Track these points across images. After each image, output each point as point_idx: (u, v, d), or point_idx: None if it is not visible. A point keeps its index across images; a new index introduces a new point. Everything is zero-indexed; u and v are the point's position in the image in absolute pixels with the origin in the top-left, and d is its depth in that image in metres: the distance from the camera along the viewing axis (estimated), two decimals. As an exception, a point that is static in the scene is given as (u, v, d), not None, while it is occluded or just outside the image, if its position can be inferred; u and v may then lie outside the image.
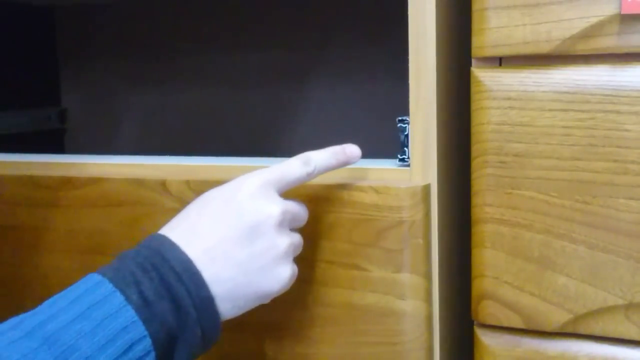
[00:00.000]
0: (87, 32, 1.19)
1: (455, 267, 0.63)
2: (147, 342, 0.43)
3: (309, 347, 0.60)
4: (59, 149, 1.22)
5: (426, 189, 0.56)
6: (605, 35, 0.50)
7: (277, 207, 0.50)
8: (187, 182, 0.62)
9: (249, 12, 1.07)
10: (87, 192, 0.66)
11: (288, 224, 0.52)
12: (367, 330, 0.58)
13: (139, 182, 0.64)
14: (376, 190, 0.56)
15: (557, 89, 0.51)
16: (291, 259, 0.52)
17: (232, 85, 1.10)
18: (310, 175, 0.54)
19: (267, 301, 0.51)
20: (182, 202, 0.62)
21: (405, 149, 0.58)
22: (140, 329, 0.43)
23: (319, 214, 0.58)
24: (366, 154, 0.59)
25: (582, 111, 0.51)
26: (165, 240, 0.48)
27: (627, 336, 0.52)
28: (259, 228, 0.49)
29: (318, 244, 0.58)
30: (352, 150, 0.56)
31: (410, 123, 0.57)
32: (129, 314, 0.43)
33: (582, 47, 0.50)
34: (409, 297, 0.56)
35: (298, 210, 0.53)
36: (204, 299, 0.46)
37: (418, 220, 0.56)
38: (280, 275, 0.50)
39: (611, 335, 0.52)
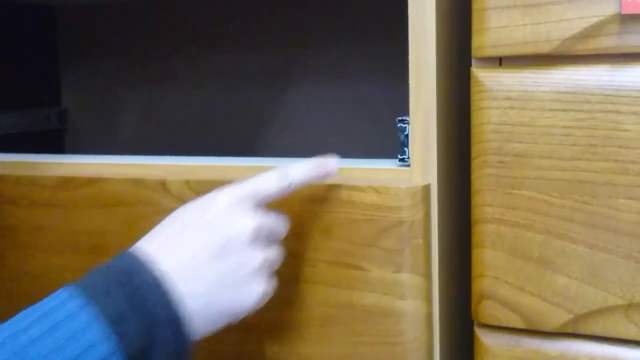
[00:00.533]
0: (87, 32, 1.19)
1: (455, 267, 0.63)
2: (118, 359, 0.43)
3: (309, 347, 0.60)
4: (59, 149, 1.22)
5: (426, 189, 0.56)
6: (605, 35, 0.50)
7: (250, 223, 0.49)
8: (187, 182, 0.62)
9: (249, 13, 1.07)
10: (87, 192, 0.66)
11: (263, 239, 0.51)
12: (367, 330, 0.58)
13: (139, 182, 0.64)
14: (376, 190, 0.56)
15: (557, 89, 0.51)
16: (266, 274, 0.51)
17: (231, 85, 1.10)
18: (288, 189, 0.54)
19: (240, 317, 0.50)
20: (182, 202, 0.62)
21: (405, 149, 0.58)
22: (110, 345, 0.42)
23: (319, 214, 0.58)
24: (366, 154, 0.59)
25: (582, 111, 0.51)
26: (137, 257, 0.47)
27: (627, 336, 0.52)
28: (231, 244, 0.49)
29: (318, 244, 0.58)
30: (331, 164, 0.56)
31: (410, 123, 0.57)
32: (100, 329, 0.42)
33: (582, 47, 0.50)
34: (409, 297, 0.56)
35: (275, 224, 0.53)
36: (174, 318, 0.45)
37: (418, 220, 0.56)
38: (253, 291, 0.50)
39: (611, 335, 0.52)
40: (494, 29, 0.52)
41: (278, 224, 0.53)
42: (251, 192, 0.52)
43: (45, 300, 0.44)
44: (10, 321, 0.43)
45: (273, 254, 0.52)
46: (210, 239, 0.48)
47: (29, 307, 0.44)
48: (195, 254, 0.48)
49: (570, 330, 0.53)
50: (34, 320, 0.42)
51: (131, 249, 0.48)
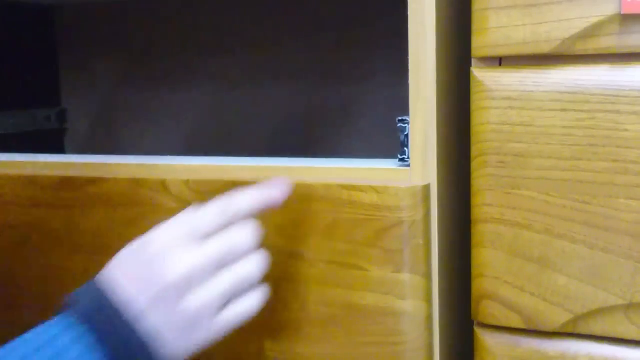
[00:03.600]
0: (87, 32, 1.19)
1: (455, 267, 0.63)
2: None
3: (309, 347, 0.60)
4: (59, 149, 1.22)
5: (426, 189, 0.56)
6: (605, 35, 0.50)
7: (182, 268, 0.49)
8: (187, 182, 0.62)
9: (250, 13, 1.07)
10: (87, 192, 0.66)
11: (204, 277, 0.50)
12: (367, 330, 0.58)
13: (139, 182, 0.64)
14: (376, 190, 0.56)
15: (557, 89, 0.51)
16: (214, 312, 0.50)
17: (232, 85, 1.10)
18: (231, 220, 0.52)
19: (204, 348, 0.51)
20: (182, 202, 0.62)
21: (405, 149, 0.58)
22: None
23: (319, 214, 0.58)
24: (366, 154, 0.59)
25: (582, 111, 0.51)
26: (107, 285, 0.49)
27: (627, 336, 0.52)
28: (167, 291, 0.49)
29: (318, 244, 0.58)
30: (278, 189, 0.55)
31: (410, 123, 0.57)
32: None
33: (582, 47, 0.50)
34: (409, 297, 0.56)
35: (221, 251, 0.51)
36: (143, 347, 0.48)
37: (418, 220, 0.56)
38: (197, 335, 0.50)
39: (611, 335, 0.52)
40: (494, 29, 0.52)
41: (236, 240, 0.52)
42: (189, 229, 0.51)
43: (41, 329, 0.47)
44: (6, 349, 0.46)
45: (219, 288, 0.51)
46: (149, 285, 0.49)
47: (26, 335, 0.46)
48: (138, 297, 0.49)
49: (570, 330, 0.53)
50: (31, 353, 0.45)
51: (98, 282, 0.50)
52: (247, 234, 0.52)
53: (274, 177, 0.55)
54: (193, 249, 0.50)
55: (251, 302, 0.53)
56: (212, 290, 0.50)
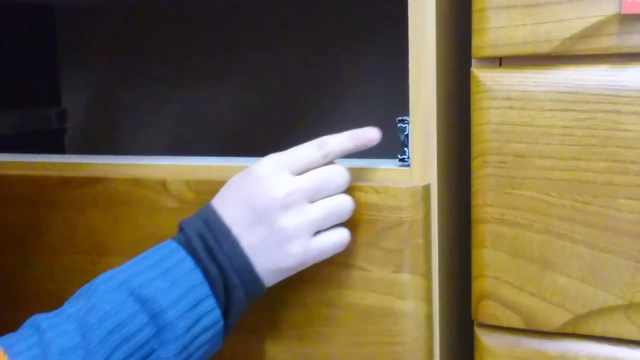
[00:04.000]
0: (87, 32, 1.19)
1: (455, 267, 0.63)
2: (211, 301, 0.50)
3: (309, 347, 0.60)
4: (59, 149, 1.22)
5: (426, 189, 0.56)
6: (605, 35, 0.50)
7: (280, 190, 0.53)
8: (187, 182, 0.62)
9: (250, 13, 1.07)
10: (87, 192, 0.66)
11: (300, 201, 0.53)
12: (367, 330, 0.58)
13: (139, 182, 0.64)
14: (376, 190, 0.56)
15: (557, 89, 0.51)
16: (305, 235, 0.53)
17: (232, 85, 1.10)
18: (326, 158, 0.55)
19: (294, 272, 0.55)
20: (182, 202, 0.62)
21: (405, 149, 0.58)
22: (205, 289, 0.50)
23: (319, 214, 0.58)
24: (366, 154, 0.59)
25: (582, 111, 0.51)
26: (211, 211, 0.54)
27: (627, 336, 0.52)
28: (264, 212, 0.53)
29: (318, 244, 0.58)
30: (370, 133, 0.57)
31: (410, 123, 0.57)
32: (197, 276, 0.50)
33: (582, 47, 0.50)
34: (409, 297, 0.56)
35: (318, 181, 0.54)
36: (242, 264, 0.52)
37: (418, 220, 0.56)
38: (289, 253, 0.53)
39: (611, 335, 0.52)
40: (494, 29, 0.52)
41: (330, 175, 0.55)
42: (287, 158, 0.55)
43: (153, 250, 0.52)
44: (123, 266, 0.51)
45: (311, 214, 0.53)
46: (247, 209, 0.53)
47: (140, 255, 0.52)
48: (238, 220, 0.53)
49: (570, 330, 0.53)
50: (146, 267, 0.51)
51: (207, 206, 0.55)
52: (340, 171, 0.55)
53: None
54: (290, 177, 0.54)
55: (340, 236, 0.55)
56: (307, 213, 0.53)
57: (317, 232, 0.54)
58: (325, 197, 0.55)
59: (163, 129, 1.17)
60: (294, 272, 0.55)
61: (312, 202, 0.54)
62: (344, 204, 0.55)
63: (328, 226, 0.55)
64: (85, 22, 1.19)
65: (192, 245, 0.52)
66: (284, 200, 0.52)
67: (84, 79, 1.21)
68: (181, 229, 0.54)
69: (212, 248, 0.52)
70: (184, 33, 1.12)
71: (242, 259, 0.52)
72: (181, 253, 0.51)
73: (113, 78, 1.19)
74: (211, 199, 0.55)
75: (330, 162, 0.56)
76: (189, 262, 0.51)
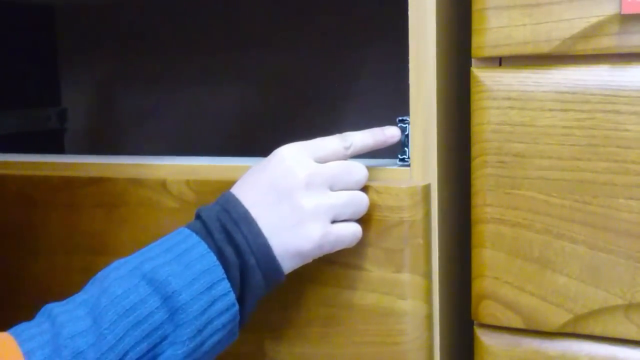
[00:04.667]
0: (87, 32, 1.19)
1: (455, 267, 0.63)
2: (226, 284, 0.50)
3: (309, 347, 0.60)
4: (59, 149, 1.22)
5: (426, 189, 0.56)
6: (605, 35, 0.50)
7: (303, 171, 0.53)
8: (187, 182, 0.62)
9: (250, 13, 1.07)
10: (87, 192, 0.66)
11: (319, 185, 0.54)
12: (367, 330, 0.58)
13: (139, 182, 0.64)
14: (376, 190, 0.56)
15: (557, 89, 0.51)
16: (323, 218, 0.53)
17: (232, 85, 1.10)
18: (348, 150, 0.56)
19: (309, 260, 0.55)
20: (182, 202, 0.62)
21: (405, 149, 0.58)
22: (219, 272, 0.50)
23: (319, 214, 0.58)
24: (366, 154, 0.59)
25: (582, 111, 0.51)
26: (230, 196, 0.54)
27: (627, 336, 0.52)
28: (286, 191, 0.53)
29: (318, 244, 0.58)
30: (391, 131, 0.58)
31: (410, 123, 0.57)
32: (211, 259, 0.50)
33: (582, 47, 0.50)
34: (409, 297, 0.56)
35: (338, 170, 0.55)
36: (260, 246, 0.52)
37: (418, 220, 0.56)
38: (308, 234, 0.53)
39: (611, 335, 0.52)
40: (494, 29, 0.52)
41: (350, 168, 0.55)
42: (311, 146, 0.56)
43: (167, 237, 0.52)
44: (137, 253, 0.51)
45: (335, 198, 0.54)
46: (269, 189, 0.53)
47: (153, 242, 0.52)
48: (258, 201, 0.53)
49: (570, 330, 0.53)
50: (160, 252, 0.50)
51: (227, 192, 0.55)
52: (360, 167, 0.56)
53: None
54: (313, 161, 0.55)
55: (356, 229, 0.56)
56: (327, 198, 0.54)
57: (334, 222, 0.55)
58: (344, 189, 0.55)
59: (163, 129, 1.17)
60: (311, 257, 0.54)
61: (332, 190, 0.55)
62: (362, 199, 0.56)
63: (345, 217, 0.55)
64: (85, 22, 1.19)
65: (209, 229, 0.52)
66: (306, 180, 0.53)
67: (84, 79, 1.21)
68: (198, 216, 0.54)
69: (230, 230, 0.52)
70: (184, 33, 1.12)
71: (260, 240, 0.52)
72: (195, 238, 0.51)
73: (113, 78, 1.19)
74: (230, 187, 0.55)
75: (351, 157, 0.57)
76: (203, 246, 0.51)
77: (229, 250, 0.51)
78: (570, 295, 0.53)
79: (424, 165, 0.57)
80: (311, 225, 0.53)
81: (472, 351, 0.57)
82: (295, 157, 0.54)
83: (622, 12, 0.48)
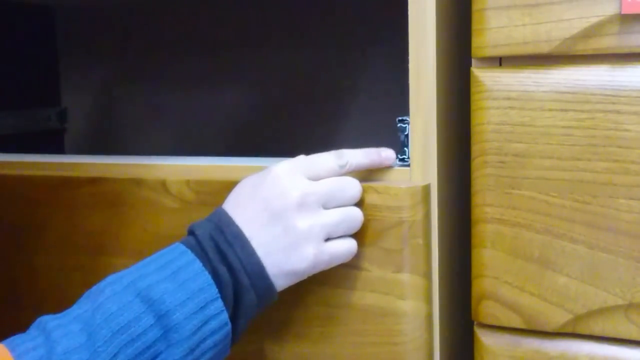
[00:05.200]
0: (87, 32, 1.19)
1: (455, 267, 0.63)
2: (219, 303, 0.50)
3: (309, 347, 0.60)
4: (59, 149, 1.22)
5: (426, 189, 0.56)
6: (605, 35, 0.50)
7: (296, 191, 0.53)
8: (187, 182, 0.62)
9: (249, 13, 1.07)
10: (87, 192, 0.66)
11: (313, 205, 0.54)
12: (367, 330, 0.58)
13: (139, 182, 0.64)
14: (376, 190, 0.56)
15: (557, 89, 0.51)
16: (318, 238, 0.53)
17: (232, 85, 1.10)
18: (343, 168, 0.56)
19: (304, 277, 0.55)
20: (182, 202, 0.62)
21: (405, 149, 0.58)
22: (213, 291, 0.50)
23: (319, 214, 0.58)
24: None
25: (582, 111, 0.51)
26: (223, 214, 0.54)
27: (627, 336, 0.52)
28: (279, 211, 0.53)
29: (318, 244, 0.58)
30: (387, 154, 0.58)
31: (410, 123, 0.57)
32: (205, 278, 0.50)
33: (582, 47, 0.50)
34: (409, 297, 0.56)
35: (332, 187, 0.55)
36: (254, 265, 0.52)
37: (418, 220, 0.56)
38: (302, 254, 0.53)
39: (611, 335, 0.52)
40: (494, 29, 0.52)
41: (344, 186, 0.55)
42: (305, 163, 0.55)
43: (162, 253, 0.52)
44: (132, 269, 0.51)
45: (329, 217, 0.54)
46: (262, 209, 0.53)
47: (148, 258, 0.52)
48: (251, 220, 0.53)
49: (570, 330, 0.53)
50: (154, 270, 0.50)
51: (219, 209, 0.55)
52: (354, 184, 0.56)
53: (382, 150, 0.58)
54: (306, 180, 0.54)
55: (350, 245, 0.56)
56: (321, 217, 0.54)
57: (328, 240, 0.55)
58: (338, 206, 0.55)
59: (163, 129, 1.17)
60: (305, 276, 0.55)
61: (325, 207, 0.54)
62: (356, 215, 0.56)
63: (339, 234, 0.55)
64: (85, 22, 1.19)
65: (203, 247, 0.52)
66: (300, 200, 0.53)
67: (84, 79, 1.21)
68: (191, 232, 0.54)
69: (223, 249, 0.52)
70: (184, 33, 1.12)
71: (253, 260, 0.52)
72: (190, 255, 0.51)
73: (113, 78, 1.19)
74: (223, 203, 0.55)
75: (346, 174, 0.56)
76: (198, 265, 0.51)
77: (222, 270, 0.51)
78: (570, 295, 0.53)
79: (424, 165, 0.57)
80: (305, 245, 0.53)
81: (472, 351, 0.57)
82: (288, 176, 0.54)
83: (622, 12, 0.48)
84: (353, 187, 0.56)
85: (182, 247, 0.52)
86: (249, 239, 0.52)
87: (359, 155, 0.57)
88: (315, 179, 0.55)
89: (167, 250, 0.52)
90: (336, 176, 0.56)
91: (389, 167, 0.58)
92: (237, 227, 0.53)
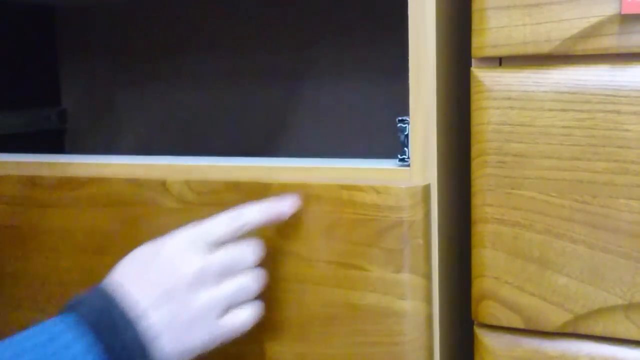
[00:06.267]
0: (87, 32, 1.19)
1: (455, 267, 0.63)
2: None
3: (309, 347, 0.60)
4: (59, 149, 1.22)
5: (426, 189, 0.56)
6: (605, 35, 0.50)
7: (190, 268, 0.52)
8: (187, 182, 0.62)
9: (249, 13, 1.07)
10: (87, 192, 0.66)
11: (212, 278, 0.53)
12: (367, 330, 0.58)
13: (139, 182, 0.64)
14: (376, 190, 0.56)
15: (557, 89, 0.51)
16: (215, 314, 0.53)
17: (232, 85, 1.10)
18: (241, 230, 0.55)
19: (203, 352, 0.53)
20: (182, 202, 0.62)
21: (405, 149, 0.58)
22: None
23: (319, 214, 0.58)
24: (366, 154, 0.59)
25: (582, 111, 0.51)
26: (116, 288, 0.51)
27: (627, 336, 0.52)
28: (173, 289, 0.51)
29: (318, 244, 0.58)
30: (283, 205, 0.57)
31: (410, 123, 0.57)
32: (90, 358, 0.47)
33: (582, 47, 0.50)
34: (409, 297, 0.56)
35: (229, 259, 0.54)
36: (140, 349, 0.49)
37: (418, 220, 0.56)
38: (198, 332, 0.52)
39: (611, 335, 0.52)
40: (494, 29, 0.52)
41: (241, 252, 0.55)
42: (200, 234, 0.54)
43: (41, 327, 0.48)
44: (9, 341, 0.47)
45: (221, 291, 0.53)
46: (155, 287, 0.51)
47: (28, 331, 0.47)
48: (146, 296, 0.51)
49: (570, 330, 0.53)
50: (31, 347, 0.46)
51: (103, 285, 0.51)
52: (252, 249, 0.55)
53: (282, 194, 0.57)
54: (201, 254, 0.53)
55: (249, 313, 0.55)
56: (216, 293, 0.53)
57: (229, 309, 0.54)
58: (236, 275, 0.54)
59: (163, 128, 1.17)
60: (204, 351, 0.53)
61: (222, 279, 0.54)
62: (253, 281, 0.55)
63: (238, 303, 0.55)
64: (85, 22, 1.19)
65: (87, 325, 0.48)
66: (194, 278, 0.52)
67: (84, 79, 1.21)
68: (73, 307, 0.50)
69: (109, 328, 0.48)
70: (184, 33, 1.12)
71: (140, 342, 0.49)
72: (72, 334, 0.48)
73: (113, 78, 1.19)
74: (112, 273, 0.53)
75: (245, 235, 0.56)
76: (81, 344, 0.47)
77: (111, 348, 0.48)
78: (570, 295, 0.53)
79: (424, 165, 0.57)
80: (200, 323, 0.52)
81: (472, 351, 0.57)
82: (181, 251, 0.53)
83: (622, 12, 0.48)
84: (251, 254, 0.55)
85: (64, 325, 0.48)
86: (139, 319, 0.50)
87: (257, 212, 0.56)
88: (215, 245, 0.54)
89: (49, 324, 0.49)
90: (234, 237, 0.55)
91: (386, 168, 0.58)
92: (127, 305, 0.50)
